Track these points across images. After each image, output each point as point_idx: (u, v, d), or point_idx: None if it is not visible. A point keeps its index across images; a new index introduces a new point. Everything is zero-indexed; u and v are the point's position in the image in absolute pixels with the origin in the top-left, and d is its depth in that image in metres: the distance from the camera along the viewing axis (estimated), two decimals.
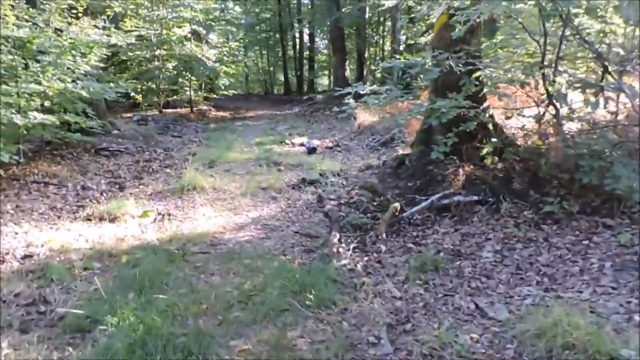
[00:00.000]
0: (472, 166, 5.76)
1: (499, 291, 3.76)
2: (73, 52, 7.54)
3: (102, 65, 18.48)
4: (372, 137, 10.81)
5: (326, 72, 37.35)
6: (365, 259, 4.58)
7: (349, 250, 4.71)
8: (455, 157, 5.79)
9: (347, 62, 18.90)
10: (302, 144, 11.25)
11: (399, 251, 4.73)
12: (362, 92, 6.22)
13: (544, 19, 5.09)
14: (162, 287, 3.99)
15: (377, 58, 26.56)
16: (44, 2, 8.04)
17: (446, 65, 5.75)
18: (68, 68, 7.80)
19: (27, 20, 7.27)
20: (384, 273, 4.27)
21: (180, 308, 3.62)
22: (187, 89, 19.89)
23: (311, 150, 10.45)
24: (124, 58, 18.47)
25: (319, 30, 32.74)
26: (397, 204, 5.46)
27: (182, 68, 18.93)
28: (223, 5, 21.10)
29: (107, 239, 5.30)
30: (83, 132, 9.42)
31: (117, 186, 7.55)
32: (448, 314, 3.52)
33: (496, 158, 5.73)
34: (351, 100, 6.89)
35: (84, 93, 7.58)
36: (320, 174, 7.91)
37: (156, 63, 18.36)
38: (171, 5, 18.42)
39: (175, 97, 20.34)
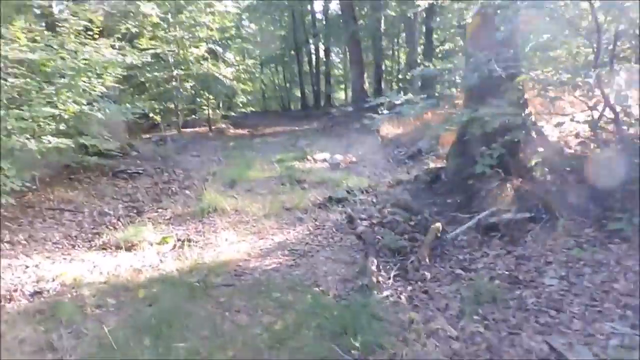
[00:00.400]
0: (520, 179, 5.17)
1: (575, 328, 3.16)
2: (88, 73, 7.14)
3: (121, 87, 18.42)
4: (398, 150, 10.25)
5: (342, 87, 37.04)
6: (409, 288, 4.01)
7: (389, 278, 4.16)
8: (499, 170, 5.20)
9: (365, 75, 18.41)
10: (324, 160, 10.74)
11: (446, 279, 4.15)
12: (396, 102, 5.66)
13: (595, 13, 4.54)
14: (182, 329, 3.48)
15: (394, 70, 26.10)
16: (60, 25, 7.69)
17: (484, 69, 5.21)
18: (84, 90, 7.41)
19: (38, 43, 6.89)
20: (434, 306, 3.69)
21: (202, 354, 3.10)
22: (205, 108, 19.60)
23: (335, 166, 9.93)
24: (142, 79, 18.31)
25: (334, 45, 32.46)
26: (438, 224, 4.90)
27: (199, 87, 18.62)
28: (238, 24, 20.74)
29: (123, 270, 4.81)
30: (101, 155, 9.05)
31: (134, 210, 7.09)
32: (517, 357, 2.93)
33: (546, 169, 5.14)
34: (381, 112, 6.32)
35: (99, 115, 7.16)
36: (348, 191, 7.37)
37: (174, 83, 18.07)
38: (188, 25, 18.19)
39: (193, 116, 20.06)
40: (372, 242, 4.94)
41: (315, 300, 3.80)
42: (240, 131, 20.13)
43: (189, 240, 5.66)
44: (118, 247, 5.54)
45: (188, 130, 18.81)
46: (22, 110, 6.02)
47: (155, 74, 17.80)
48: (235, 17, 20.61)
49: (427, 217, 5.42)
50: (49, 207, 6.77)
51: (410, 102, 5.96)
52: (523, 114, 5.41)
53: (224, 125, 20.57)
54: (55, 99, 6.70)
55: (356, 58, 18.41)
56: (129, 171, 9.18)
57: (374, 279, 4.05)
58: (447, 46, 19.88)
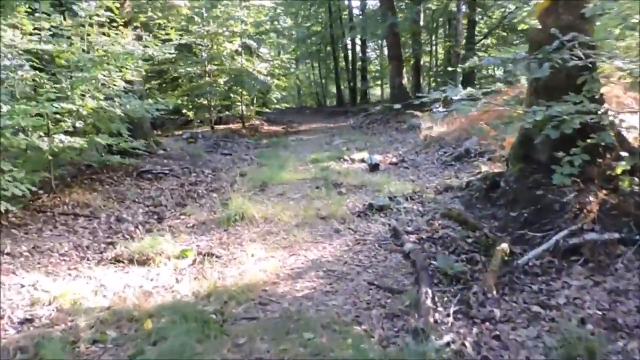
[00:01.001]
0: (603, 191, 4.23)
1: None
2: (106, 65, 6.48)
3: (152, 82, 17.94)
4: (443, 151, 9.32)
5: (378, 83, 36.02)
6: (475, 331, 3.16)
7: (448, 315, 3.32)
8: (577, 180, 4.27)
9: (404, 70, 17.45)
10: (362, 160, 9.89)
11: (521, 318, 3.28)
12: (454, 98, 4.77)
13: None
14: None
15: (432, 66, 24.99)
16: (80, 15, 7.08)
17: (557, 59, 4.28)
18: (102, 84, 6.78)
19: (52, 31, 6.27)
20: (510, 359, 2.84)
21: None
22: (238, 104, 18.99)
23: (373, 167, 9.07)
24: (175, 74, 17.81)
25: (371, 40, 31.49)
26: (504, 245, 4.03)
27: (232, 83, 18.01)
28: (274, 18, 20.04)
29: (131, 293, 4.10)
30: (126, 153, 8.46)
31: (155, 216, 6.41)
32: None
33: (636, 179, 4.19)
34: (435, 108, 5.43)
35: (118, 111, 6.51)
36: (390, 198, 6.52)
37: (207, 79, 17.53)
38: (222, 19, 17.59)
39: (226, 112, 19.50)
40: (423, 265, 4.08)
41: (356, 345, 3.00)
42: (274, 128, 19.47)
43: (211, 255, 4.91)
44: (131, 261, 4.85)
45: (221, 126, 18.26)
46: (30, 105, 5.38)
47: (188, 69, 17.30)
48: (271, 11, 19.92)
49: (487, 233, 4.53)
50: (62, 212, 6.15)
51: (473, 98, 5.05)
52: (600, 112, 4.46)
53: (257, 122, 19.96)
54: (69, 93, 6.06)
55: (395, 53, 17.44)
56: (154, 171, 8.55)
57: (430, 319, 3.21)
58: (489, 40, 18.77)
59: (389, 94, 19.92)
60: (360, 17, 27.52)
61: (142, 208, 6.76)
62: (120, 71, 6.81)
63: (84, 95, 6.54)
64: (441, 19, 21.09)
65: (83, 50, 6.44)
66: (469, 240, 4.53)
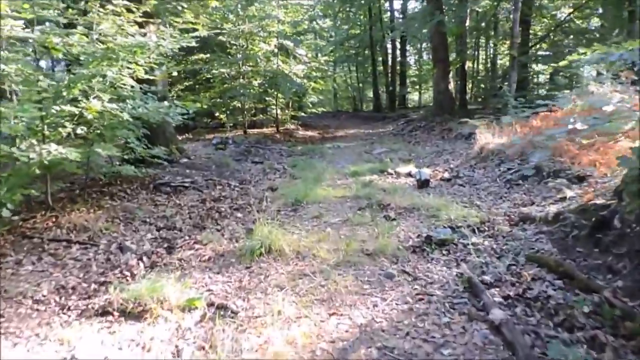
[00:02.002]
0: None
1: None
2: (112, 60, 5.30)
3: (186, 83, 16.91)
4: (505, 167, 7.86)
5: (416, 88, 34.44)
6: None
7: None
8: None
9: (450, 74, 15.94)
10: (409, 174, 8.54)
11: None
12: (605, 108, 3.39)
13: None
14: None
15: (474, 70, 23.38)
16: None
17: None
18: (110, 83, 5.62)
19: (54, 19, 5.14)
20: None
21: None
22: (273, 107, 17.85)
23: (423, 184, 7.72)
24: (209, 76, 16.78)
25: (411, 43, 30.03)
26: None
27: (267, 85, 16.87)
28: (313, 17, 18.79)
29: None
30: (143, 162, 7.36)
31: (166, 244, 5.20)
32: None
33: None
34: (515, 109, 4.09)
35: (125, 116, 5.33)
36: (452, 228, 5.15)
37: (241, 80, 16.43)
38: (257, 18, 16.46)
39: (260, 116, 18.39)
40: (528, 355, 2.72)
41: None
42: (309, 133, 18.26)
43: (226, 308, 3.66)
44: (123, 312, 3.65)
45: (255, 130, 17.18)
46: (8, 108, 4.24)
47: (222, 69, 16.24)
48: (309, 11, 18.69)
49: (609, 299, 3.14)
50: (53, 238, 5.00)
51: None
52: None
53: (292, 126, 18.81)
54: (64, 93, 4.91)
55: (441, 55, 15.93)
56: (173, 184, 7.39)
57: None
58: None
59: (433, 99, 18.43)
60: (402, 18, 26.12)
61: (152, 232, 5.57)
62: (130, 68, 5.62)
63: (88, 96, 5.38)
64: (484, 22, 19.55)
65: (86, 43, 5.29)
66: (585, 309, 3.14)
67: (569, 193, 5.57)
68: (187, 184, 7.53)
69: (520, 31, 14.84)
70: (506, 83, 13.36)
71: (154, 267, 4.60)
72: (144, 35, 5.94)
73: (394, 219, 5.78)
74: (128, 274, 4.42)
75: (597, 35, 15.73)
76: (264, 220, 5.38)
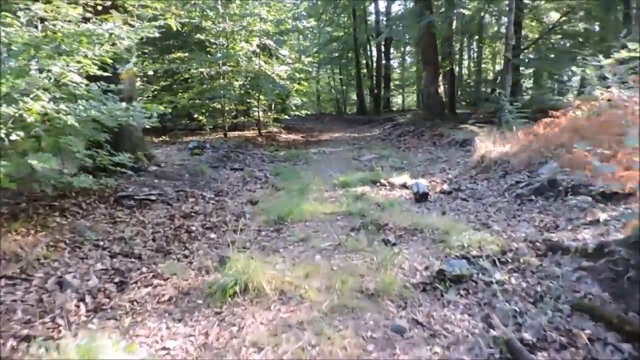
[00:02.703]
0: None
1: None
2: (51, 51, 4.24)
3: (162, 83, 15.74)
4: (513, 179, 6.95)
5: (400, 91, 33.64)
6: None
7: None
8: None
9: (440, 77, 15.06)
10: (404, 186, 7.60)
11: None
12: None
13: None
14: None
15: (461, 75, 22.60)
16: None
17: None
18: (55, 80, 4.56)
19: None
20: None
21: None
22: (255, 109, 16.81)
23: (421, 197, 6.78)
24: (187, 76, 15.66)
25: (396, 46, 29.23)
26: None
27: (249, 86, 15.83)
28: (297, 14, 17.78)
29: None
30: (105, 171, 6.31)
31: (117, 278, 4.15)
32: None
33: None
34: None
35: (69, 119, 4.27)
36: (466, 258, 4.20)
37: (221, 81, 15.36)
38: (239, 16, 15.41)
39: (242, 118, 17.34)
40: None
41: None
42: (293, 136, 17.27)
43: None
44: None
45: (236, 133, 16.17)
46: None
47: (201, 69, 15.16)
48: (293, 8, 17.69)
49: None
50: None
51: None
52: None
53: (275, 129, 17.79)
54: None
55: (430, 57, 15.03)
56: (137, 197, 6.33)
57: None
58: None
59: (422, 102, 17.54)
60: (386, 20, 25.26)
61: (104, 260, 4.50)
62: (81, 62, 4.55)
63: (26, 95, 4.32)
64: (478, 23, 18.76)
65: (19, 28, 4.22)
66: None
67: (601, 215, 4.67)
68: (154, 197, 6.48)
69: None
70: (497, 90, 12.51)
71: (98, 311, 3.57)
72: (101, 24, 4.87)
73: (395, 244, 4.81)
74: (62, 322, 3.38)
75: (590, 40, 15.04)
76: (241, 243, 4.39)
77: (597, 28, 16.23)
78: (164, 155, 10.09)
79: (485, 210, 6.00)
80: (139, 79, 15.89)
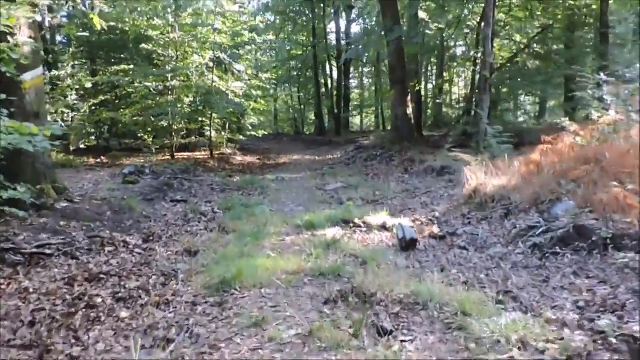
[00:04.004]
0: None
1: None
2: None
3: (101, 97, 13.74)
4: (515, 220, 5.53)
5: (357, 112, 32.46)
6: None
7: None
8: None
9: (409, 98, 13.77)
10: (384, 227, 6.05)
11: None
12: None
13: None
14: None
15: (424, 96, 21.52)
16: None
17: None
18: None
19: None
20: None
21: None
22: (207, 128, 15.05)
23: (409, 244, 5.24)
24: (130, 90, 13.76)
25: (355, 66, 28.13)
26: None
27: (200, 103, 14.08)
28: (253, 26, 16.21)
29: None
30: None
31: None
32: None
33: None
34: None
35: None
36: None
37: (169, 97, 13.55)
38: (190, 26, 13.72)
39: (193, 138, 15.53)
40: None
41: None
42: (248, 158, 15.58)
43: None
44: None
45: (185, 154, 14.35)
46: None
47: (147, 83, 13.32)
48: (250, 20, 16.13)
49: None
50: None
51: None
52: None
53: (229, 151, 16.05)
54: None
55: (399, 75, 13.67)
56: (24, 250, 4.48)
57: None
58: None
59: (391, 124, 16.16)
60: (346, 40, 24.07)
61: None
62: None
63: None
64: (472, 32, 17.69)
65: None
66: None
67: None
68: (53, 247, 4.66)
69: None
70: (476, 110, 11.26)
71: None
72: None
73: (391, 333, 3.21)
74: None
75: (561, 59, 14.19)
76: (164, 329, 2.70)
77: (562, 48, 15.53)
78: (91, 183, 8.21)
79: (497, 267, 4.50)
80: (74, 92, 13.93)
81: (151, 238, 5.60)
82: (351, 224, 6.15)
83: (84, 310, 3.64)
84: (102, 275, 4.29)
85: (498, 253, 4.87)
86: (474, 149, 9.90)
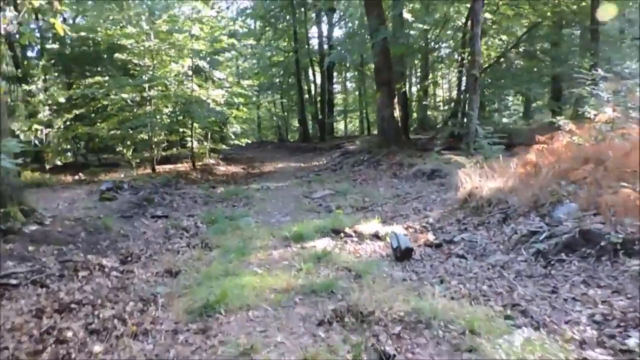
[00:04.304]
0: None
1: None
2: None
3: (75, 111, 13.30)
4: (514, 225, 5.30)
5: (342, 117, 32.25)
6: None
7: None
8: None
9: (395, 100, 13.55)
10: (377, 236, 5.78)
11: None
12: None
13: None
14: None
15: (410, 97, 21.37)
16: None
17: None
18: None
19: None
20: None
21: None
22: (188, 139, 14.67)
23: (404, 254, 4.98)
24: (105, 102, 13.35)
25: (338, 70, 27.95)
26: None
27: (179, 113, 13.72)
28: (232, 31, 15.88)
29: None
30: None
31: None
32: None
33: None
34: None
35: None
36: None
37: (147, 107, 13.16)
38: (166, 32, 13.33)
39: (174, 150, 15.12)
40: None
41: None
42: (232, 168, 15.23)
43: None
44: None
45: (167, 167, 13.93)
46: None
47: (123, 95, 12.92)
48: (229, 25, 15.81)
49: None
50: None
51: None
52: None
53: (212, 161, 15.68)
54: None
55: (385, 77, 13.44)
56: None
57: None
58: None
59: (377, 128, 15.93)
60: (328, 44, 23.87)
61: None
62: None
63: None
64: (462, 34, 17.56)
65: None
66: None
67: None
68: (20, 276, 4.30)
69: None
70: (466, 111, 11.08)
71: None
72: None
73: (394, 357, 2.93)
74: None
75: (548, 57, 14.11)
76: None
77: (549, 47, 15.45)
78: (66, 202, 7.82)
79: (499, 276, 4.26)
80: (47, 107, 13.48)
81: (129, 259, 5.26)
82: (342, 234, 5.87)
83: (52, 346, 3.30)
84: (73, 305, 3.94)
85: (499, 261, 4.62)
86: (464, 151, 9.72)
